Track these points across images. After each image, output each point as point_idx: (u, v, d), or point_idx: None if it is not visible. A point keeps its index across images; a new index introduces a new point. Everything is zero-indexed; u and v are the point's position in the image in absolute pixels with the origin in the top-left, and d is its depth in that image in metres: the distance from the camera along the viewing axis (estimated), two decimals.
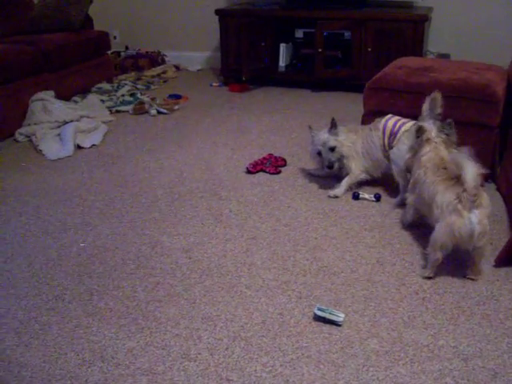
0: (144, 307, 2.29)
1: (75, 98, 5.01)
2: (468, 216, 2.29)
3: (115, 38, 6.83)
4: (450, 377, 1.90)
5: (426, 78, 3.37)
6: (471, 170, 2.24)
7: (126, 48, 6.79)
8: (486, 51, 5.16)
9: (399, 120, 3.15)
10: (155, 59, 6.47)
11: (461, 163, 2.29)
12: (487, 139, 3.23)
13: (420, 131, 2.70)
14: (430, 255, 2.44)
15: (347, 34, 5.23)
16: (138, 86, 5.63)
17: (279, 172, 3.55)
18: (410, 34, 4.89)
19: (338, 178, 3.33)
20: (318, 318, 2.17)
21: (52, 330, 2.17)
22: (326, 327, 2.14)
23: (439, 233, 2.37)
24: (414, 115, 3.33)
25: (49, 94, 4.56)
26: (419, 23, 4.85)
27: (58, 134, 4.20)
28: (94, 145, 4.11)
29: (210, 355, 2.02)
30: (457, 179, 2.35)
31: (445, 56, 5.32)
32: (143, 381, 1.91)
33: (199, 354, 2.03)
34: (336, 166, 3.25)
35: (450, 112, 3.22)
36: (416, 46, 4.92)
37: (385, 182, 3.30)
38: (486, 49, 5.22)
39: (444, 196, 2.37)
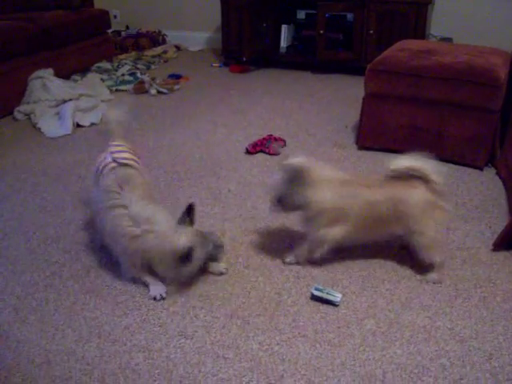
0: (141, 285, 2.28)
1: (75, 77, 4.99)
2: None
3: (115, 17, 6.78)
4: (446, 358, 1.90)
5: (428, 60, 3.34)
6: None
7: (127, 27, 6.74)
8: (490, 35, 5.13)
9: None
10: (156, 39, 6.43)
11: None
12: (488, 123, 3.22)
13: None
14: (436, 257, 2.32)
15: (349, 16, 5.20)
16: (138, 66, 5.60)
17: (279, 153, 3.54)
18: (413, 16, 4.86)
19: None
20: (315, 298, 2.17)
21: (49, 307, 2.17)
22: (323, 307, 2.15)
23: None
24: (415, 97, 3.34)
25: (48, 72, 4.52)
26: (423, 6, 4.81)
27: (57, 113, 4.18)
28: (93, 123, 4.09)
29: (206, 333, 2.02)
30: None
31: (447, 40, 5.28)
32: (140, 357, 1.91)
33: (196, 331, 2.03)
34: None
35: (451, 95, 3.23)
36: (418, 29, 4.89)
37: None
38: (489, 33, 5.18)
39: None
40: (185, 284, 2.27)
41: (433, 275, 2.33)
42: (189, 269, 2.22)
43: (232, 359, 1.90)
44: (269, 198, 2.37)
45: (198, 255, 2.21)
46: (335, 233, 2.29)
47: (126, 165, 2.41)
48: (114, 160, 2.41)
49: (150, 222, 2.21)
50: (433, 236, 2.29)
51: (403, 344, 1.97)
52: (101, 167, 2.43)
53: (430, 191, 2.26)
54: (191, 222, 2.31)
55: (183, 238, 2.17)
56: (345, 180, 2.32)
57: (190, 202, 2.35)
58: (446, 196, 2.32)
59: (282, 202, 2.29)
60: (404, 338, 2.00)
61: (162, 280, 2.28)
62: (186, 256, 2.15)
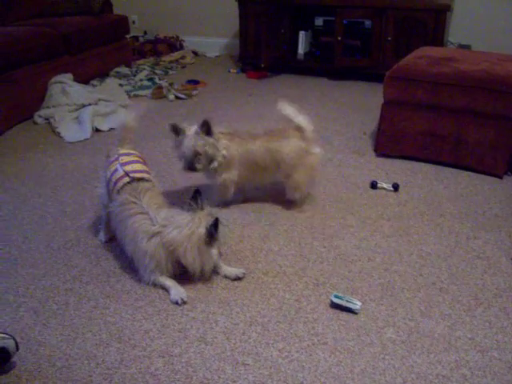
0: (161, 290, 2.30)
1: (93, 82, 5.03)
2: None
3: (134, 22, 6.83)
4: (467, 368, 1.89)
5: (448, 68, 3.34)
6: None
7: (145, 33, 6.79)
8: (508, 42, 5.10)
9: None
10: (173, 44, 6.46)
11: None
12: (508, 131, 3.20)
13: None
14: (297, 196, 2.86)
15: (367, 23, 5.19)
16: (156, 71, 5.63)
17: None
18: (432, 23, 4.84)
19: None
20: (334, 306, 2.17)
21: (70, 310, 2.19)
22: (343, 315, 2.14)
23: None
24: (434, 105, 3.33)
25: (67, 77, 4.57)
26: (441, 13, 4.80)
27: (77, 117, 4.21)
28: (111, 128, 4.10)
29: (226, 339, 2.02)
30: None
31: (465, 47, 5.26)
32: (159, 362, 1.92)
33: (215, 337, 2.03)
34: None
35: (470, 103, 3.22)
36: (437, 36, 4.88)
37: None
38: (508, 40, 5.15)
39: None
40: (205, 289, 2.29)
41: (291, 206, 2.92)
42: (215, 249, 2.30)
43: (252, 366, 1.90)
44: (183, 162, 2.74)
45: (221, 231, 2.30)
46: (230, 176, 2.80)
47: (139, 179, 2.44)
48: (127, 174, 2.43)
49: (168, 219, 2.28)
50: (299, 180, 2.81)
51: (423, 353, 1.96)
52: (114, 180, 2.45)
53: (303, 139, 2.78)
54: (200, 207, 2.34)
55: (204, 216, 2.26)
56: (232, 133, 2.82)
57: (195, 187, 2.42)
58: (317, 142, 2.85)
59: (199, 160, 2.71)
60: (424, 346, 1.99)
61: (185, 281, 2.30)
62: (214, 228, 2.22)
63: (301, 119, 2.81)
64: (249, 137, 2.84)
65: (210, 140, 2.71)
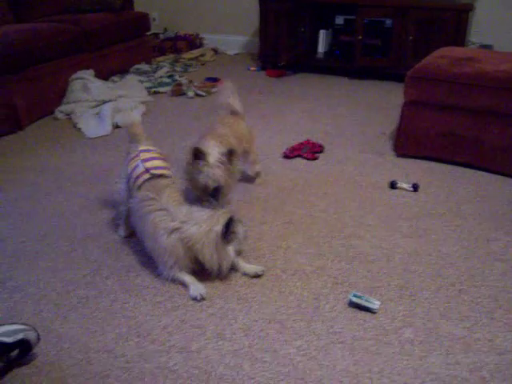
0: (180, 285, 2.31)
1: (114, 78, 5.06)
2: None
3: (154, 19, 6.85)
4: (486, 370, 1.88)
5: (470, 68, 3.31)
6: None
7: (165, 30, 6.82)
8: None
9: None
10: (193, 42, 6.48)
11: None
12: None
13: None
14: (257, 168, 3.23)
15: (388, 22, 5.15)
16: (176, 68, 5.65)
17: (316, 158, 3.54)
18: (453, 23, 4.79)
19: None
20: (353, 305, 2.17)
21: (89, 304, 2.21)
22: (361, 314, 2.14)
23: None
24: (455, 105, 3.31)
25: (88, 73, 4.60)
26: (463, 12, 4.75)
27: (97, 113, 4.24)
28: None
29: (244, 336, 2.03)
30: None
31: (487, 47, 5.22)
32: (178, 357, 1.93)
33: (234, 334, 2.04)
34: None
35: (492, 103, 3.19)
36: (458, 36, 4.82)
37: None
38: None
39: None
40: (224, 286, 2.30)
41: (258, 180, 3.26)
42: (232, 246, 2.32)
43: (270, 363, 1.91)
44: (203, 190, 2.64)
45: (237, 229, 2.32)
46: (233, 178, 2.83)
47: (159, 176, 2.45)
48: (147, 170, 2.45)
49: (187, 215, 2.29)
50: (255, 151, 3.20)
51: (441, 354, 1.95)
52: (134, 177, 2.48)
53: (243, 120, 3.15)
54: (220, 205, 2.37)
55: (222, 213, 2.28)
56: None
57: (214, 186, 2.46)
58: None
59: (218, 192, 2.64)
60: (443, 348, 1.98)
61: (204, 278, 2.31)
62: (229, 226, 2.24)
63: (236, 104, 3.17)
64: (222, 123, 2.99)
65: (231, 169, 2.67)
